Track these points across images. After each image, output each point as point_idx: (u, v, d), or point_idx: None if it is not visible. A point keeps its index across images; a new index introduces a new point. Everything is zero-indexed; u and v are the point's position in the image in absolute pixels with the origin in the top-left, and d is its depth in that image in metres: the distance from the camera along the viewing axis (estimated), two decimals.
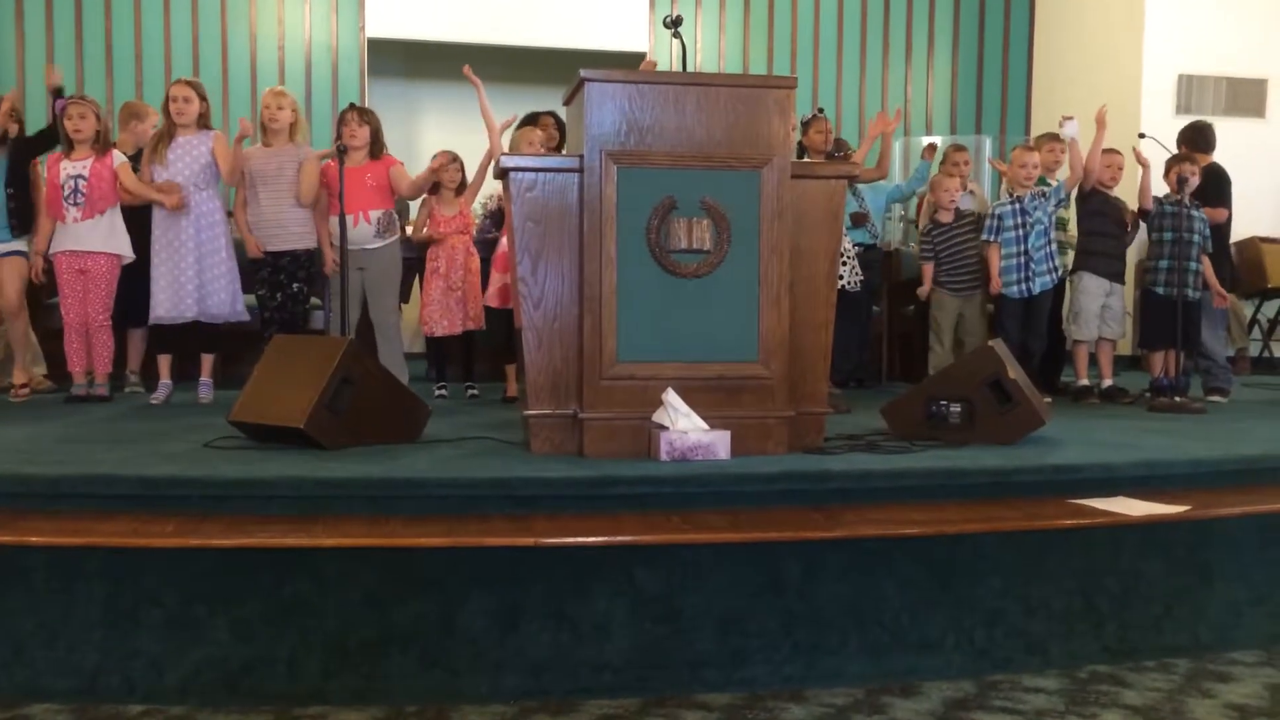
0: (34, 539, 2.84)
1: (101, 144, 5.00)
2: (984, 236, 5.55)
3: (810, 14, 9.04)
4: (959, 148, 6.17)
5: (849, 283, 5.58)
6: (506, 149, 5.17)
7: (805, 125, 5.85)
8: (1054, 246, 5.61)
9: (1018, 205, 5.50)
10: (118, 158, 5.02)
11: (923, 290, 5.74)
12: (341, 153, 4.85)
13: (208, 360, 5.15)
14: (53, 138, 5.15)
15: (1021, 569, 3.15)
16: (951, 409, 3.92)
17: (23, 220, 5.16)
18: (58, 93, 5.27)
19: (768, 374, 3.64)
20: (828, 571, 3.06)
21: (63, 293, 5.01)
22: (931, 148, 6.25)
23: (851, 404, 5.00)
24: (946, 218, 5.73)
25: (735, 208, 3.56)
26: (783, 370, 3.65)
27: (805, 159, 5.69)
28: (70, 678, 2.85)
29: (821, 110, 5.96)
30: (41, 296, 5.35)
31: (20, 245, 5.14)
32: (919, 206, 6.87)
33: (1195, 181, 5.47)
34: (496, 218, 5.64)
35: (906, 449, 3.70)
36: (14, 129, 5.26)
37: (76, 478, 3.12)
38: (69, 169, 4.94)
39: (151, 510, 3.03)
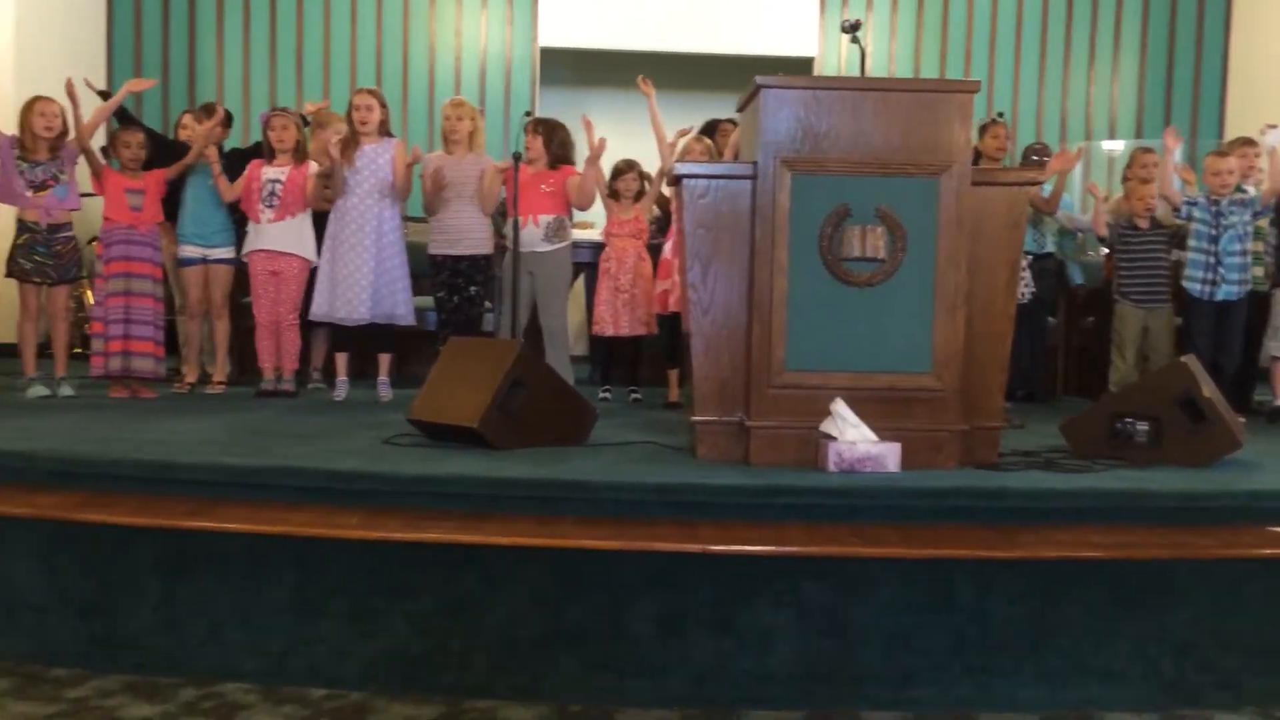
0: (231, 526, 3.01)
1: (300, 153, 5.29)
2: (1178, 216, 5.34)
3: (987, 14, 8.76)
4: (1147, 149, 5.84)
5: (1019, 293, 5.37)
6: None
7: (981, 131, 5.69)
8: (1249, 258, 5.29)
9: (1214, 207, 5.21)
10: (312, 167, 5.29)
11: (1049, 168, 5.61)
12: (517, 159, 4.99)
13: (385, 360, 5.35)
14: (260, 150, 5.45)
15: (1215, 599, 2.98)
16: (1138, 427, 3.73)
17: (238, 229, 5.49)
18: (305, 120, 5.63)
19: (940, 386, 3.55)
20: (1002, 593, 2.96)
21: (255, 293, 5.30)
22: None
23: (1024, 419, 4.82)
24: (1143, 224, 5.48)
25: (911, 216, 3.48)
26: (956, 383, 3.55)
27: (979, 165, 5.52)
28: (259, 659, 3.01)
29: (1001, 115, 5.77)
30: (236, 296, 5.67)
31: (233, 252, 5.47)
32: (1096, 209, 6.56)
33: None
34: (661, 223, 5.68)
35: (1087, 468, 3.54)
36: (223, 134, 5.61)
37: (270, 469, 3.29)
38: (269, 174, 5.25)
39: (337, 502, 3.17)
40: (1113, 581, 2.97)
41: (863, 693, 2.95)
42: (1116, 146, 8.47)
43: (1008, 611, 2.96)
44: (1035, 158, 5.86)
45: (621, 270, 5.39)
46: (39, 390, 5.02)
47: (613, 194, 5.45)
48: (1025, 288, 5.50)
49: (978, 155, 5.71)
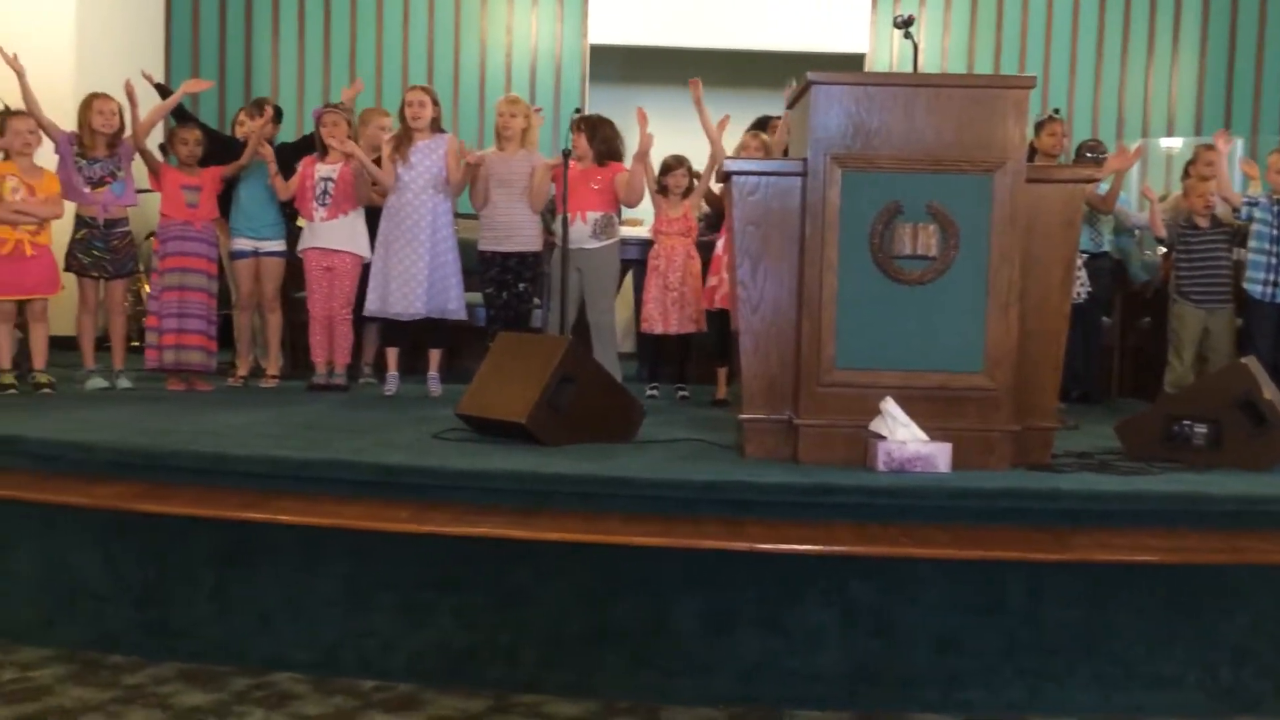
0: (284, 518, 3.05)
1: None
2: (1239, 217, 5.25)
3: (1042, 8, 8.63)
4: (1210, 147, 5.73)
5: (1074, 293, 5.29)
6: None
7: (1037, 127, 5.61)
8: None
9: (1276, 207, 5.10)
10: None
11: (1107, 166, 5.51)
12: (567, 156, 5.00)
13: (435, 354, 5.39)
14: (312, 144, 5.50)
15: (1277, 604, 2.91)
16: (1196, 430, 3.65)
17: (289, 223, 5.56)
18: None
19: (992, 385, 3.50)
20: (1055, 596, 2.92)
21: (310, 288, 5.36)
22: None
23: (1079, 420, 4.75)
24: (1203, 223, 5.37)
25: (964, 213, 3.44)
26: (1009, 382, 3.50)
27: (1034, 162, 5.44)
28: (311, 651, 3.05)
29: (1057, 111, 5.69)
30: (288, 290, 5.73)
31: (283, 245, 5.54)
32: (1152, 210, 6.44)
33: None
34: (710, 220, 5.65)
35: (1143, 470, 3.48)
36: (274, 131, 5.68)
37: (322, 462, 3.33)
38: (322, 171, 5.30)
39: (387, 496, 3.20)
40: (1169, 586, 2.92)
41: (911, 694, 2.92)
42: (1175, 144, 8.30)
43: (1060, 615, 2.92)
44: (1089, 154, 5.77)
45: (671, 268, 5.37)
46: (98, 382, 5.12)
47: (661, 190, 5.44)
48: (1081, 287, 5.41)
49: (1033, 152, 5.63)
